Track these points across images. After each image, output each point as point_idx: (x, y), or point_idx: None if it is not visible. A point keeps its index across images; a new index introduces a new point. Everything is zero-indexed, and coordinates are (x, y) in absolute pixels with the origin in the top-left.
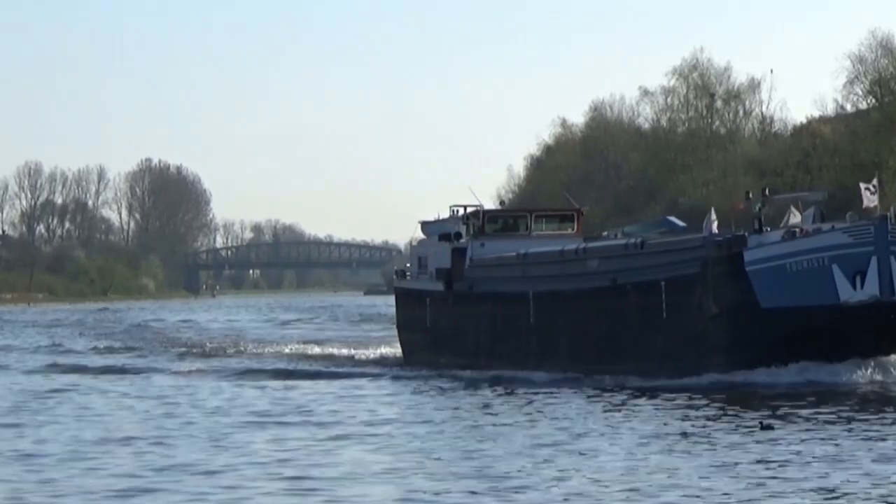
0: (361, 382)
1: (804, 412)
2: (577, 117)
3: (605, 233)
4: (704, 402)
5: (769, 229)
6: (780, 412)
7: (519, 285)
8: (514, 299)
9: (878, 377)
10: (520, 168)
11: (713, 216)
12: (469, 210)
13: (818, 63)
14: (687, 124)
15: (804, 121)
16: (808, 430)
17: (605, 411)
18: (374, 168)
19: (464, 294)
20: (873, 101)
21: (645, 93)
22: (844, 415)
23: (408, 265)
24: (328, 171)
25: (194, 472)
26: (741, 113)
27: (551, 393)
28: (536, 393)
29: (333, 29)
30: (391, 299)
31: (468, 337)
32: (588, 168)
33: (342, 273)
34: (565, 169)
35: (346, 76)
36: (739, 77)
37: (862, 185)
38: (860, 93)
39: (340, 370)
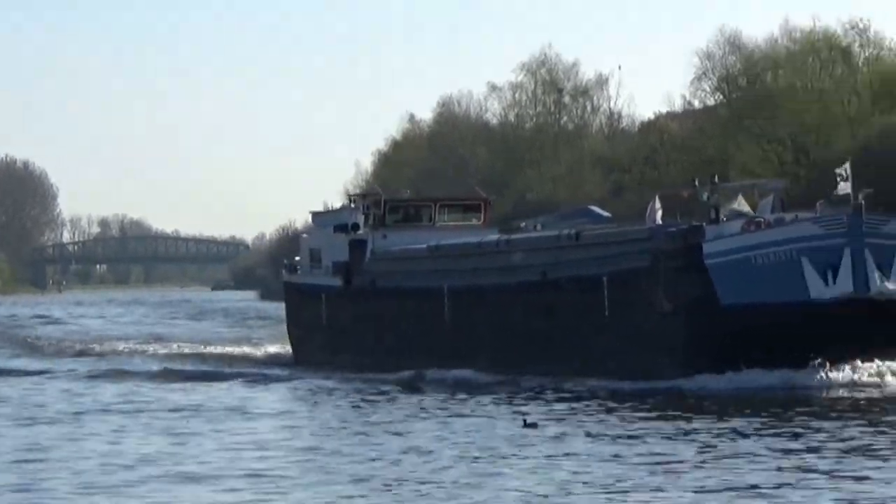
0: (251, 385)
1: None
2: (426, 113)
3: (522, 224)
4: (644, 407)
5: (725, 219)
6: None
7: (431, 280)
8: (425, 295)
9: (850, 379)
10: (367, 163)
11: (657, 205)
12: (369, 199)
13: (666, 59)
14: (535, 120)
15: (652, 117)
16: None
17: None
18: (221, 163)
19: (365, 289)
20: (721, 97)
21: (493, 88)
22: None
23: (297, 259)
24: (175, 166)
25: None
26: (589, 109)
27: (465, 395)
28: (447, 394)
29: (178, 25)
30: (238, 294)
31: (370, 335)
32: (436, 163)
33: (189, 268)
34: (413, 164)
35: (192, 72)
36: (587, 73)
37: (836, 171)
38: (708, 89)
39: (229, 371)
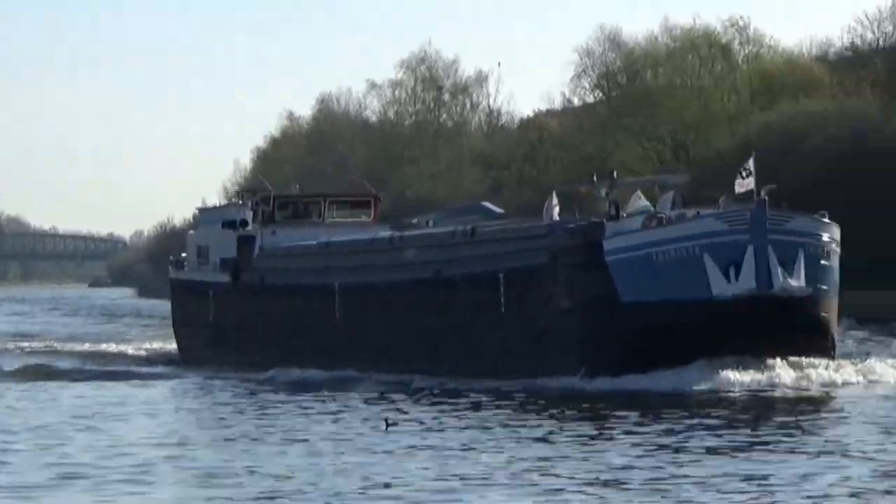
0: (136, 383)
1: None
2: (305, 110)
3: (414, 220)
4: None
5: (626, 215)
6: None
7: (321, 277)
8: (315, 292)
9: (753, 380)
10: (247, 161)
11: (555, 201)
12: (258, 195)
13: (546, 57)
14: (414, 117)
15: (531, 114)
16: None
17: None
18: (99, 160)
19: (254, 286)
20: (600, 94)
21: (372, 85)
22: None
23: (184, 255)
24: (53, 163)
25: None
26: (468, 106)
27: (342, 395)
28: (321, 393)
29: (58, 21)
30: (116, 291)
31: (259, 333)
32: (315, 161)
33: (67, 266)
34: (292, 162)
35: (71, 69)
36: (467, 70)
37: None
38: (587, 87)
39: (112, 369)
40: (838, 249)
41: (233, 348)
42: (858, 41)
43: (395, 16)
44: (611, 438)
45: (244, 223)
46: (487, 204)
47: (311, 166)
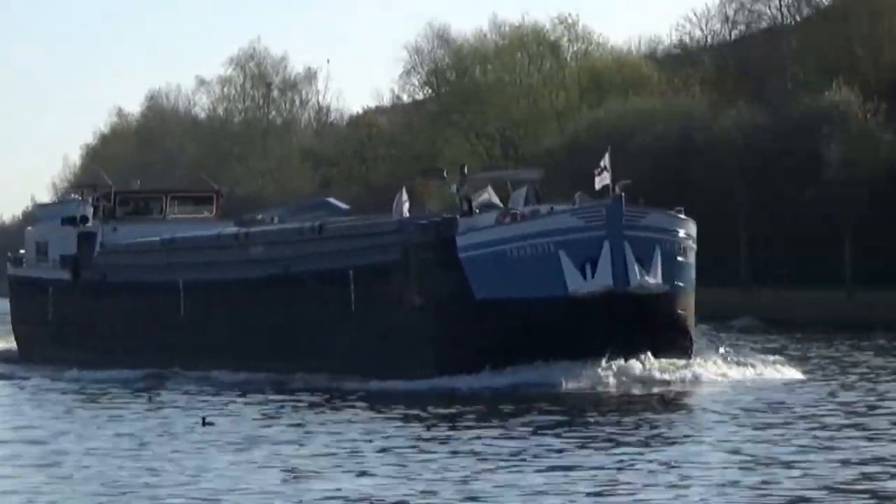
0: None
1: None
2: (134, 107)
3: (259, 216)
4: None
5: (479, 211)
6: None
7: (165, 274)
8: (159, 289)
9: (609, 377)
10: (76, 158)
11: (405, 196)
12: (99, 191)
13: (375, 54)
14: (243, 114)
15: (360, 111)
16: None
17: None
18: None
19: (95, 284)
20: (430, 91)
21: (202, 82)
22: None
23: (22, 251)
24: None
25: None
26: (298, 103)
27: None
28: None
29: None
30: None
31: (100, 331)
32: (145, 158)
33: None
34: (122, 158)
35: None
36: (296, 67)
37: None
38: (417, 84)
39: None
40: (694, 246)
41: (73, 346)
42: (687, 39)
43: (223, 12)
44: (446, 441)
45: (84, 219)
46: (333, 200)
47: (141, 163)
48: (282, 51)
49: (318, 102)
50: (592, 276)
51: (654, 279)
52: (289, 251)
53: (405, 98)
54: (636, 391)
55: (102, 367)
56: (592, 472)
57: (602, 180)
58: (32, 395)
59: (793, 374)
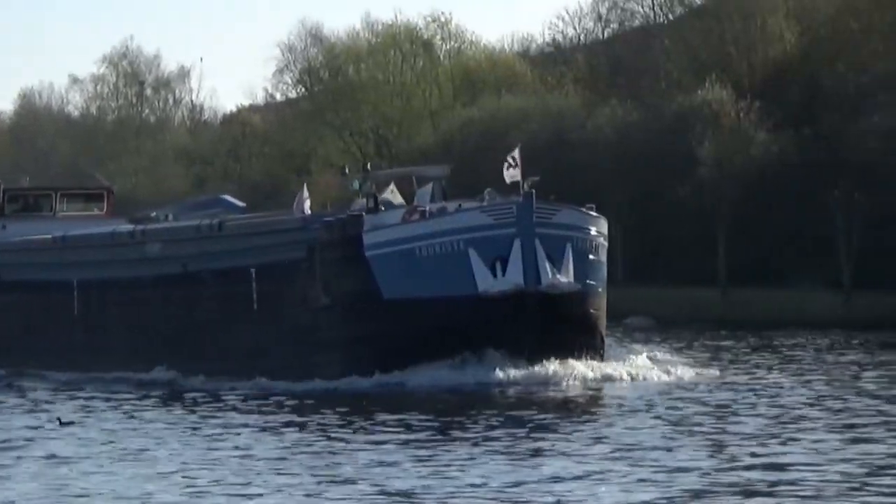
0: None
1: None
2: (6, 105)
3: (153, 214)
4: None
5: (384, 208)
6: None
7: (57, 273)
8: (51, 288)
9: (519, 378)
10: None
11: (305, 193)
12: None
13: (248, 52)
14: (116, 112)
15: (234, 110)
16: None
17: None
18: None
19: None
20: (303, 90)
21: (74, 81)
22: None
23: None
24: None
25: None
26: (171, 101)
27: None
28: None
29: None
30: None
31: None
32: (17, 157)
33: None
34: None
35: None
36: (169, 65)
37: (507, 160)
38: (290, 82)
39: None
40: (606, 243)
41: None
42: (560, 37)
43: (97, 10)
44: (345, 441)
45: None
46: (228, 197)
47: (14, 162)
48: (155, 49)
49: (192, 101)
50: (503, 275)
51: (566, 278)
52: (187, 249)
53: (279, 97)
54: (545, 392)
55: None
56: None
57: (512, 175)
58: None
59: (711, 373)
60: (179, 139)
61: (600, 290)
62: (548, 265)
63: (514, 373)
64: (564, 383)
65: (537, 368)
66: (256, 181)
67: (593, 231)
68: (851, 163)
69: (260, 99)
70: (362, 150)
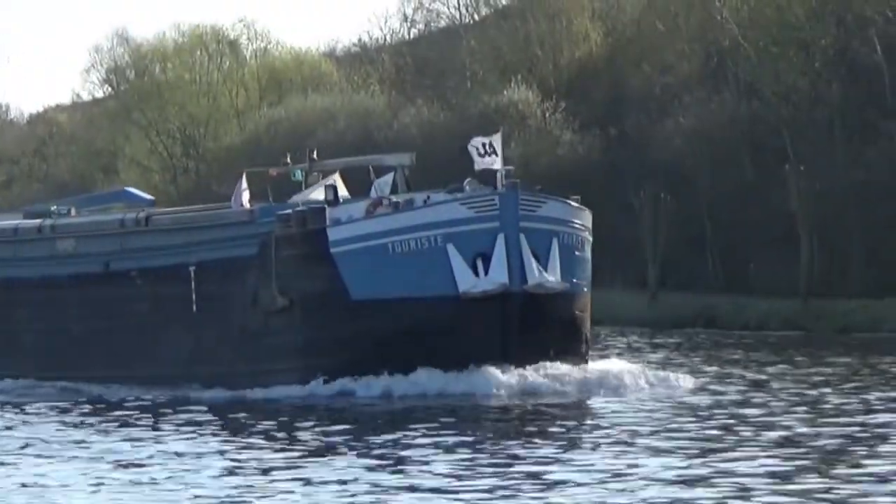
0: None
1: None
2: None
3: (53, 208)
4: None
5: (345, 200)
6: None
7: None
8: None
9: (501, 384)
10: None
11: (244, 185)
12: None
13: (55, 52)
14: None
15: (41, 109)
16: None
17: None
18: None
19: None
20: (109, 89)
21: None
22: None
23: None
24: None
25: None
26: None
27: None
28: None
29: None
30: None
31: None
32: None
33: None
34: None
35: None
36: None
37: (471, 146)
38: (97, 81)
39: None
40: (590, 238)
41: None
42: (366, 37)
43: None
44: (320, 454)
45: None
46: (133, 190)
47: None
48: None
49: None
50: (486, 274)
51: (553, 277)
52: (109, 245)
53: (85, 96)
54: (525, 401)
55: None
56: None
57: (488, 163)
58: None
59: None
60: None
61: (585, 289)
62: (534, 263)
63: (497, 380)
64: (547, 390)
65: (521, 376)
66: (64, 180)
67: (578, 224)
68: (657, 163)
69: (67, 98)
70: (169, 150)
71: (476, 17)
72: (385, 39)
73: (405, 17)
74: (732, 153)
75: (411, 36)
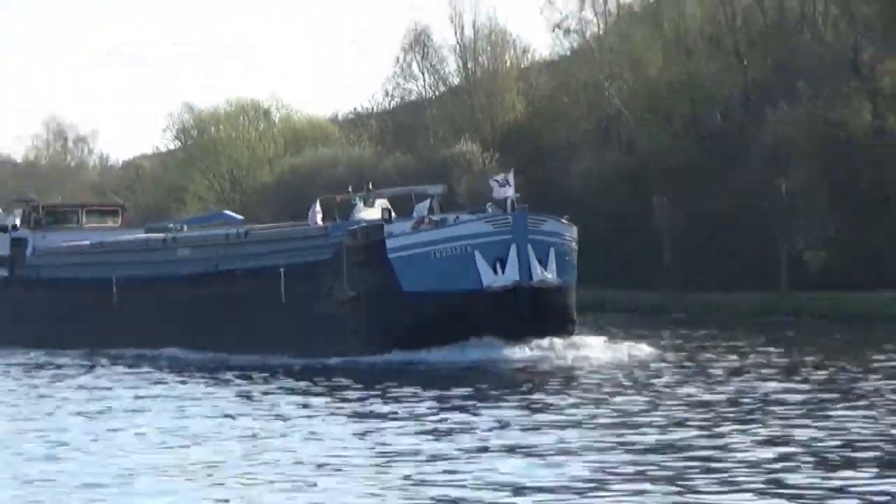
0: None
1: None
2: None
3: (170, 224)
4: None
5: (395, 219)
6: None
7: (98, 271)
8: (92, 285)
9: (517, 358)
10: None
11: (317, 208)
12: (29, 205)
13: (141, 116)
14: (48, 159)
15: (130, 157)
16: None
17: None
18: None
19: (31, 280)
20: (179, 144)
21: (18, 137)
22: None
23: None
24: None
25: None
26: (86, 151)
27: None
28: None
29: None
30: None
31: (34, 319)
32: None
33: None
34: None
35: None
36: (84, 128)
37: (492, 180)
38: (170, 138)
39: None
40: (576, 247)
41: (8, 331)
42: (359, 107)
43: (33, 84)
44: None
45: (14, 228)
46: (228, 212)
47: None
48: (76, 115)
49: (101, 151)
50: (503, 273)
51: (551, 275)
52: (217, 252)
53: (162, 148)
54: (539, 366)
55: (40, 349)
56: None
57: (504, 192)
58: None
59: (647, 350)
60: (92, 177)
61: (573, 284)
62: (537, 265)
63: (510, 350)
64: (553, 358)
65: (528, 347)
66: (148, 208)
67: (568, 237)
68: (564, 196)
69: (149, 150)
70: (221, 187)
71: (437, 93)
72: (372, 109)
73: (387, 93)
74: (616, 190)
75: (391, 106)
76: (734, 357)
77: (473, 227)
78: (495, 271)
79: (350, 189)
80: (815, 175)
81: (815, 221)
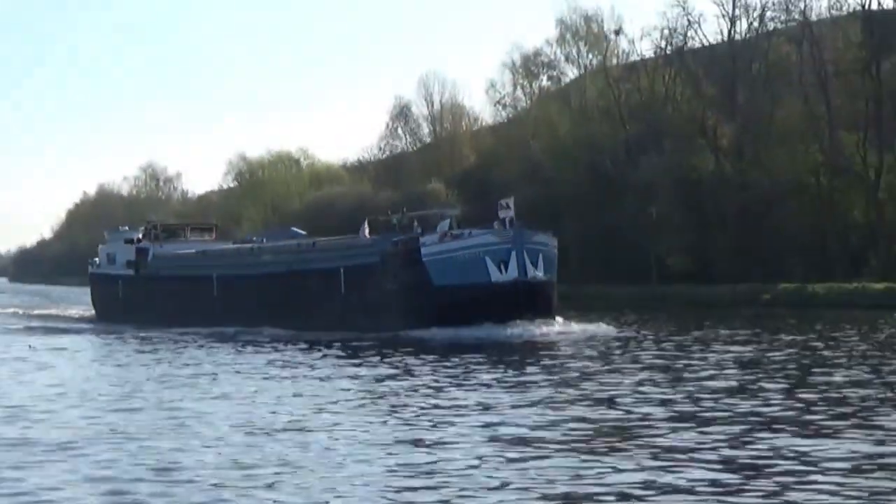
0: (69, 336)
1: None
2: (91, 189)
3: (254, 237)
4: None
5: (423, 232)
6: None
7: (203, 270)
8: (198, 280)
9: (517, 332)
10: (62, 213)
11: (366, 226)
12: (151, 224)
13: (206, 165)
14: (147, 195)
15: (202, 192)
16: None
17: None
18: None
19: (151, 276)
20: (237, 183)
21: (124, 178)
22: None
23: (96, 259)
24: None
25: None
26: (172, 188)
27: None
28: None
29: None
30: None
31: (156, 305)
32: (94, 219)
33: None
34: (99, 215)
35: None
36: (169, 170)
37: (498, 203)
38: (230, 179)
39: (54, 326)
40: (556, 252)
41: (136, 315)
42: (361, 157)
43: (127, 137)
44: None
45: (139, 240)
46: (295, 228)
47: (96, 219)
48: (165, 161)
49: (182, 189)
50: (506, 272)
51: (540, 273)
52: (291, 258)
53: (225, 186)
54: (531, 340)
55: (159, 329)
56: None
57: (506, 213)
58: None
59: (609, 329)
60: (176, 209)
61: (554, 281)
62: (530, 266)
63: (510, 330)
64: (539, 334)
65: (524, 327)
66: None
67: (551, 245)
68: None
69: (215, 187)
70: (266, 216)
71: (415, 147)
72: (370, 158)
73: (380, 148)
74: (539, 215)
75: (383, 157)
76: (648, 332)
77: (484, 238)
78: (500, 271)
79: (389, 212)
80: (675, 204)
81: (675, 236)
